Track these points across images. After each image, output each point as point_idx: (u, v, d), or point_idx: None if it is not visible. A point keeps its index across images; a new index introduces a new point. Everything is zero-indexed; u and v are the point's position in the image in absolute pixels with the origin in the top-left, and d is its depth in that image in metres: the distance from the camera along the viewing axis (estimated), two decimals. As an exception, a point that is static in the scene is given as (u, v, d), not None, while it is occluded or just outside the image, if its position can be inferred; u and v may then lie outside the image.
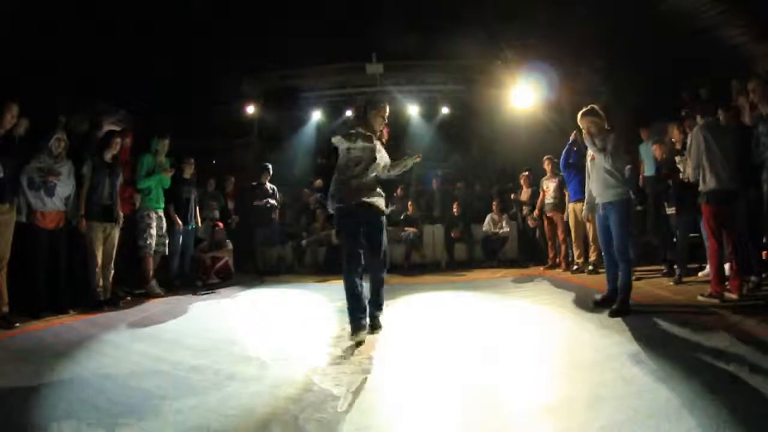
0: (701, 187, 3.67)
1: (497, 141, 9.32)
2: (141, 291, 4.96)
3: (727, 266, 3.80)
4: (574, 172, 5.44)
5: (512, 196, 7.68)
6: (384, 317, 3.18)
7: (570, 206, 5.76)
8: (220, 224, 6.28)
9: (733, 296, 3.51)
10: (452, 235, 7.47)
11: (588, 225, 5.25)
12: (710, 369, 2.07)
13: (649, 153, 5.44)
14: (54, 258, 3.99)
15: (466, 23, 6.48)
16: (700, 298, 3.56)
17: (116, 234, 4.45)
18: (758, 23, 5.13)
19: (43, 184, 3.86)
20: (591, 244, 5.55)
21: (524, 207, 7.01)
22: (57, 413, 1.83)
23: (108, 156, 4.40)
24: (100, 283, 4.27)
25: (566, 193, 5.99)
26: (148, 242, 4.92)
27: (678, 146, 4.54)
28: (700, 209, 3.83)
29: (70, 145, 4.18)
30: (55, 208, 3.97)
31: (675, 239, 4.70)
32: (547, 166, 6.27)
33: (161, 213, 5.12)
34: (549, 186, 6.21)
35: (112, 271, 4.44)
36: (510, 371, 2.25)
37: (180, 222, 5.39)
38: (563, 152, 5.65)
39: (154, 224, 4.98)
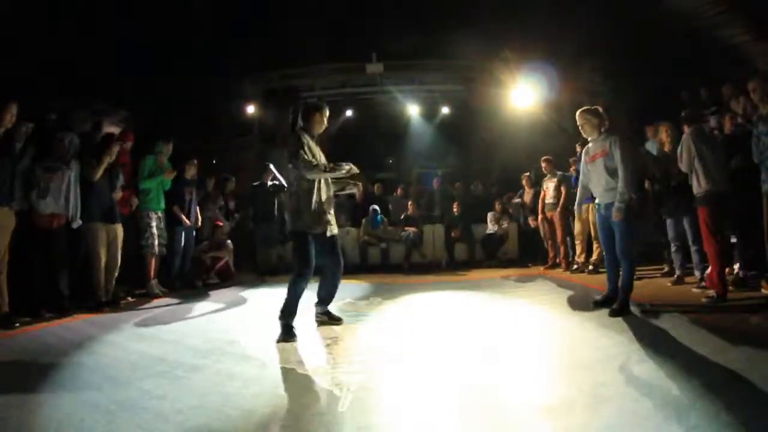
0: (696, 191, 3.69)
1: (497, 141, 9.32)
2: (141, 291, 4.96)
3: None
4: None
5: (513, 200, 7.66)
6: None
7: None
8: (221, 224, 6.28)
9: (712, 292, 3.55)
10: (452, 235, 7.46)
11: (592, 226, 5.24)
12: (710, 369, 2.06)
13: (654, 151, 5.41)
14: (54, 258, 3.98)
15: (466, 23, 6.48)
16: (703, 300, 3.55)
17: (120, 235, 4.44)
18: (758, 23, 5.13)
19: (38, 186, 3.85)
20: (594, 243, 5.55)
21: (526, 208, 7.01)
22: (57, 414, 1.83)
23: (99, 173, 4.25)
24: (102, 283, 4.27)
25: (563, 192, 5.99)
26: (149, 242, 4.93)
27: (665, 149, 4.42)
28: (690, 211, 3.85)
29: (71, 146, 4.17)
30: (52, 209, 3.93)
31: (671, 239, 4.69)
32: (545, 166, 6.26)
33: (161, 214, 5.12)
34: (548, 186, 6.21)
35: (116, 273, 4.43)
36: (510, 371, 2.25)
37: (186, 220, 5.40)
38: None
39: (154, 224, 4.98)
